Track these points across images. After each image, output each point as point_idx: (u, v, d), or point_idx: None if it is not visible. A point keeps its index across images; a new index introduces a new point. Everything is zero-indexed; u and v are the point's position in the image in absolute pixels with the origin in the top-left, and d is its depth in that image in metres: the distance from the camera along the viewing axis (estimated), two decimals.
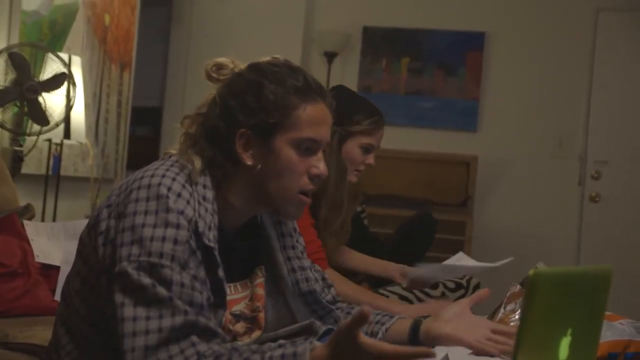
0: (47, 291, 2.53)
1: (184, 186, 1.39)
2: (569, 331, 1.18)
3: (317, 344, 1.29)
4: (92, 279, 1.43)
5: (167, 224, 1.33)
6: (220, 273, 1.40)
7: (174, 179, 1.39)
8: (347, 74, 5.61)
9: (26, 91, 3.32)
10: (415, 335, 1.66)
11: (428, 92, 5.61)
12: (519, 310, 1.84)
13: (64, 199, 4.00)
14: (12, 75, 3.33)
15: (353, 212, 2.68)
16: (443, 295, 2.70)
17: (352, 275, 2.67)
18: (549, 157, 5.44)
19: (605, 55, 5.40)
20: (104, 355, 1.42)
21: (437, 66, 5.61)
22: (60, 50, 3.88)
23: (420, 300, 2.67)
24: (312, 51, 5.71)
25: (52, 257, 2.66)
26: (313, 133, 1.48)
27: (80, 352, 1.45)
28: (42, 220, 3.66)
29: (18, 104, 3.37)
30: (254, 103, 1.46)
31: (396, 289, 2.69)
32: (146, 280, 1.30)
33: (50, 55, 3.48)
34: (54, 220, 3.79)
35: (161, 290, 1.29)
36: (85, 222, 1.50)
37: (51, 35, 4.01)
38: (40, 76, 3.41)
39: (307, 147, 1.48)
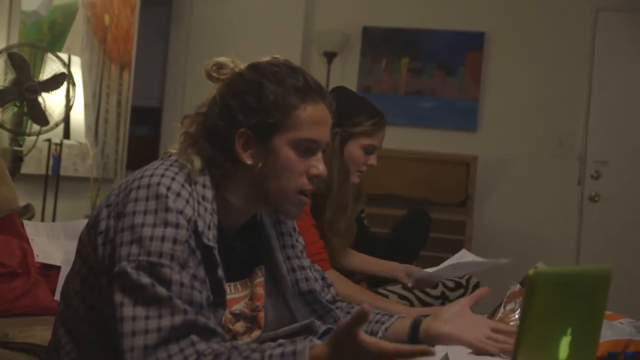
0: (47, 291, 2.53)
1: (183, 186, 1.39)
2: (569, 331, 1.18)
3: (317, 342, 1.29)
4: (91, 278, 1.43)
5: (166, 224, 1.33)
6: (220, 272, 1.40)
7: (173, 179, 1.39)
8: (346, 74, 5.61)
9: (26, 91, 3.32)
10: (415, 334, 1.66)
11: (428, 92, 5.61)
12: (519, 310, 1.84)
13: (64, 199, 4.00)
14: (11, 76, 3.33)
15: (357, 212, 2.68)
16: (443, 294, 2.71)
17: (350, 274, 2.67)
18: (548, 156, 5.44)
19: (605, 55, 5.40)
20: (103, 355, 1.42)
21: (437, 66, 5.61)
22: (60, 51, 3.88)
23: (420, 299, 2.67)
24: (312, 51, 5.71)
25: (53, 257, 2.66)
26: (313, 133, 1.48)
27: (80, 352, 1.45)
28: (42, 220, 3.65)
29: (18, 104, 3.37)
30: (253, 103, 1.46)
31: (396, 288, 2.70)
32: (145, 279, 1.30)
33: (50, 55, 3.48)
34: (53, 220, 3.79)
35: (160, 290, 1.29)
36: (85, 222, 1.50)
37: (51, 35, 4.01)
38: (40, 76, 3.41)
39: (306, 148, 1.48)
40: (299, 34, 5.60)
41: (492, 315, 1.91)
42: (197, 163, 1.44)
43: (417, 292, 2.67)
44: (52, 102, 3.46)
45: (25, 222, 2.76)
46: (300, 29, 5.62)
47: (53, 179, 3.89)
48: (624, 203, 5.33)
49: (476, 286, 2.78)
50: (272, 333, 1.55)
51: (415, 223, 3.13)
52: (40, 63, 3.49)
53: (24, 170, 3.64)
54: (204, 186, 1.43)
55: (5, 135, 3.59)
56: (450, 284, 2.74)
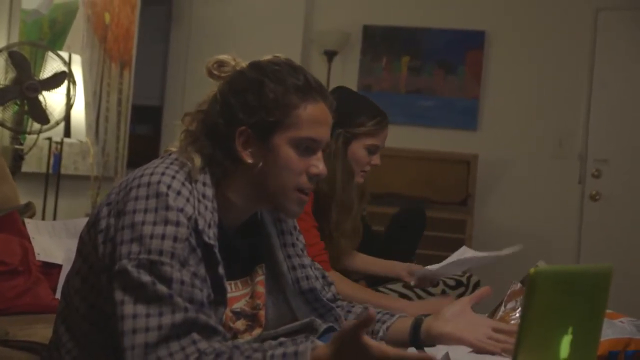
0: (47, 289, 2.54)
1: (183, 184, 1.39)
2: (570, 329, 1.18)
3: (319, 343, 1.29)
4: (92, 277, 1.43)
5: (166, 222, 1.33)
6: (221, 270, 1.40)
7: (173, 177, 1.39)
8: (347, 73, 5.61)
9: (26, 90, 3.32)
10: (416, 334, 1.66)
11: (428, 91, 5.61)
12: (520, 309, 1.84)
13: (65, 197, 4.00)
14: (12, 74, 3.33)
15: (361, 212, 2.68)
16: (443, 292, 2.71)
17: (349, 273, 2.67)
18: (549, 155, 5.44)
19: (605, 54, 5.40)
20: (104, 353, 1.42)
21: (437, 65, 5.61)
22: (61, 49, 3.88)
23: (420, 297, 2.67)
24: (312, 50, 5.71)
25: (54, 255, 2.66)
26: (313, 132, 1.48)
27: (81, 350, 1.45)
28: (43, 218, 3.65)
29: (18, 103, 3.37)
30: (254, 101, 1.46)
31: (396, 286, 2.70)
32: (146, 277, 1.30)
33: (51, 53, 3.48)
34: (54, 218, 3.80)
35: (161, 288, 1.29)
36: (86, 220, 1.50)
37: (51, 33, 4.01)
38: (41, 75, 3.41)
39: (306, 147, 1.48)
40: (299, 32, 5.60)
41: (492, 314, 1.92)
42: (198, 161, 1.44)
43: (417, 290, 2.67)
44: (53, 100, 3.46)
45: (26, 220, 2.76)
46: (301, 28, 5.62)
47: (54, 178, 3.89)
48: (624, 202, 5.33)
49: (477, 284, 2.79)
50: (273, 331, 1.56)
51: (409, 219, 3.13)
52: (40, 61, 3.49)
53: (25, 168, 3.64)
54: (204, 184, 1.43)
55: (6, 133, 3.59)
56: (451, 282, 2.74)
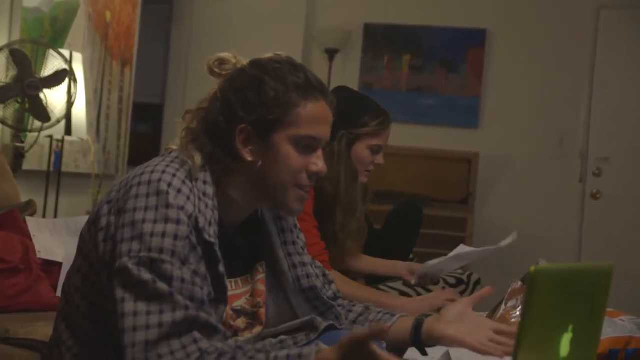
0: (48, 287, 2.54)
1: (184, 182, 1.39)
2: (570, 328, 1.18)
3: (323, 346, 1.29)
4: (92, 275, 1.43)
5: (167, 220, 1.33)
6: (221, 268, 1.40)
7: (174, 175, 1.39)
8: (348, 71, 5.61)
9: (27, 87, 3.32)
10: (417, 335, 1.65)
11: (429, 89, 5.61)
12: (520, 307, 1.84)
13: (65, 195, 4.00)
14: (13, 72, 3.33)
15: (365, 211, 2.68)
16: (444, 289, 2.70)
17: (349, 274, 2.67)
18: (550, 154, 5.44)
19: (607, 52, 5.40)
20: (104, 351, 1.42)
21: (439, 63, 5.60)
22: (62, 47, 3.88)
23: (420, 295, 2.66)
24: (313, 48, 5.71)
25: (55, 253, 2.66)
26: (313, 131, 1.47)
27: (81, 348, 1.45)
28: (44, 216, 3.66)
29: (19, 101, 3.37)
30: (254, 99, 1.46)
31: (397, 285, 2.70)
32: (146, 275, 1.30)
33: (52, 51, 3.48)
34: (55, 216, 3.80)
35: (162, 286, 1.29)
36: (87, 218, 1.51)
37: (52, 31, 4.01)
38: (42, 73, 3.41)
39: (306, 145, 1.48)
40: (300, 31, 5.60)
41: (493, 312, 1.92)
42: (198, 159, 1.44)
43: (417, 288, 2.67)
44: (54, 98, 3.46)
45: (27, 218, 2.76)
46: (302, 26, 5.62)
47: (54, 175, 3.89)
48: (625, 200, 5.33)
49: (477, 282, 2.78)
50: (273, 329, 1.55)
51: (406, 215, 3.12)
52: (41, 59, 3.49)
53: (26, 166, 3.64)
54: (204, 182, 1.43)
55: (7, 131, 3.59)
56: (452, 280, 2.74)
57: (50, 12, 3.96)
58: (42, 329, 2.10)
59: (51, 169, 3.88)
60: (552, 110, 5.45)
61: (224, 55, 1.52)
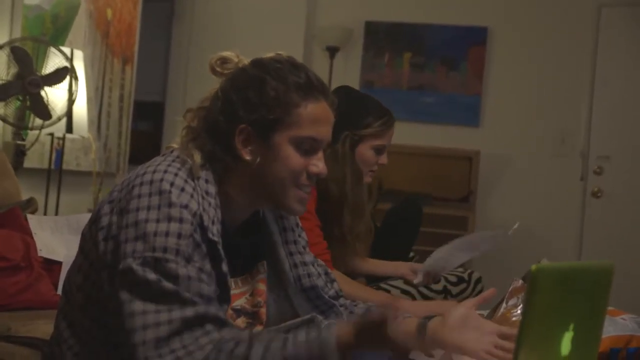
0: (49, 285, 2.54)
1: (186, 181, 1.39)
2: (571, 326, 1.18)
3: (339, 327, 1.32)
4: (93, 274, 1.43)
5: (170, 219, 1.33)
6: (224, 267, 1.40)
7: (176, 174, 1.38)
8: (349, 69, 5.61)
9: (28, 85, 3.32)
10: (421, 336, 1.64)
11: (430, 87, 5.61)
12: (521, 305, 1.83)
13: (66, 193, 4.01)
14: (14, 70, 3.33)
15: (371, 211, 2.67)
16: (445, 289, 2.70)
17: (351, 274, 2.67)
18: (551, 152, 5.44)
19: (608, 50, 5.39)
20: (105, 349, 1.42)
21: (440, 61, 5.60)
22: (63, 45, 3.88)
23: (422, 294, 2.66)
24: (314, 46, 5.70)
25: (56, 251, 2.66)
26: (314, 132, 1.47)
27: (82, 346, 1.45)
28: (45, 214, 3.66)
29: (20, 98, 3.37)
30: (255, 99, 1.45)
31: (398, 283, 2.69)
32: (152, 275, 1.29)
33: (53, 49, 3.48)
34: (56, 214, 3.80)
35: (167, 285, 1.29)
36: (89, 216, 1.51)
37: (53, 29, 4.01)
38: (43, 70, 3.41)
39: (307, 146, 1.47)
40: (302, 29, 5.60)
41: (494, 311, 1.91)
42: (197, 158, 1.43)
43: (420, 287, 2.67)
44: (55, 96, 3.46)
45: (29, 216, 2.77)
46: (303, 24, 5.62)
47: (55, 173, 3.89)
48: (626, 199, 5.32)
49: (478, 281, 2.78)
50: (274, 328, 1.55)
51: (405, 213, 3.12)
52: (42, 57, 3.49)
53: (27, 164, 3.64)
54: (206, 181, 1.43)
55: (8, 129, 3.59)
56: (453, 279, 2.74)
57: (51, 9, 3.97)
58: (43, 327, 2.10)
59: (52, 166, 3.88)
60: (553, 109, 5.45)
61: (226, 54, 1.52)
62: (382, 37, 5.67)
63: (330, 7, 5.72)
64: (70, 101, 3.52)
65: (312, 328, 1.33)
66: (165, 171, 1.38)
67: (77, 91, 3.55)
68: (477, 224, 5.11)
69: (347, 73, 5.51)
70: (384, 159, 2.52)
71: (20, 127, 3.47)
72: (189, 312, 1.29)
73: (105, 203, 1.43)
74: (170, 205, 1.34)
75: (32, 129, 3.49)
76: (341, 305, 1.70)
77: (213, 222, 1.39)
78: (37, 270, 2.52)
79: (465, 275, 2.77)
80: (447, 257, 2.54)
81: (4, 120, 3.40)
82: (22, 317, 2.27)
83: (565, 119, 5.43)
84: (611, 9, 5.39)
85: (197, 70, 5.35)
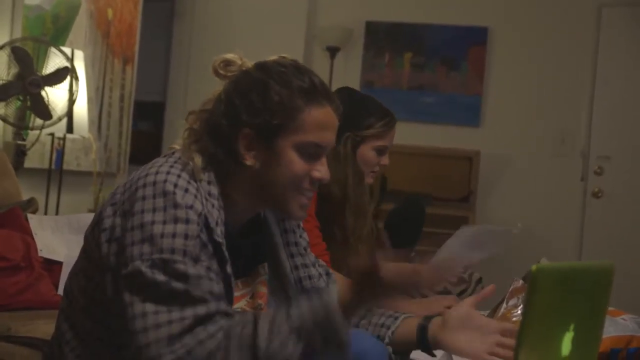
0: (49, 285, 2.54)
1: (189, 182, 1.38)
2: (572, 326, 1.18)
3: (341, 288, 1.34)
4: (96, 276, 1.42)
5: (176, 220, 1.32)
6: (229, 269, 1.40)
7: (179, 176, 1.38)
8: (349, 69, 5.61)
9: (29, 85, 3.32)
10: (423, 339, 1.65)
11: (430, 87, 5.61)
12: (521, 306, 1.84)
13: (67, 193, 4.01)
14: (15, 70, 3.33)
15: (372, 211, 2.67)
16: (445, 288, 2.70)
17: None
18: (551, 152, 5.43)
19: (608, 50, 5.39)
20: (107, 351, 1.42)
21: (440, 61, 5.60)
22: (63, 45, 3.88)
23: (422, 294, 2.66)
24: (315, 46, 5.70)
25: (56, 251, 2.66)
26: (318, 137, 1.45)
27: (84, 347, 1.44)
28: (45, 214, 3.66)
29: (21, 98, 3.37)
30: (258, 103, 1.44)
31: None
32: (161, 277, 1.29)
33: (53, 49, 3.48)
34: (56, 214, 3.80)
35: (177, 285, 1.29)
36: (89, 216, 1.51)
37: (54, 29, 4.01)
38: (43, 70, 3.41)
39: (311, 151, 1.46)
40: (302, 29, 5.60)
41: (494, 311, 1.92)
42: (198, 160, 1.42)
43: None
44: (55, 96, 3.46)
45: (29, 215, 2.77)
46: (303, 24, 5.62)
47: (56, 173, 3.89)
48: (626, 199, 5.32)
49: (479, 281, 2.78)
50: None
51: (407, 213, 3.12)
52: (43, 57, 3.49)
53: (27, 164, 3.64)
54: (209, 183, 1.42)
55: (9, 129, 3.59)
56: (453, 279, 2.73)
57: (51, 9, 3.97)
58: (43, 327, 2.11)
59: (53, 166, 3.88)
60: (553, 109, 5.44)
61: (230, 56, 1.50)
62: (383, 37, 5.67)
63: (330, 7, 5.72)
64: (71, 101, 3.52)
65: (312, 296, 1.33)
66: (168, 172, 1.38)
67: (77, 91, 3.55)
68: (477, 224, 5.11)
69: (348, 73, 5.51)
70: (385, 160, 2.52)
71: (20, 127, 3.47)
72: (201, 310, 1.28)
73: (107, 205, 1.42)
74: (175, 206, 1.33)
75: (32, 129, 3.49)
76: None
77: (217, 223, 1.39)
78: (38, 270, 2.52)
79: (466, 276, 2.77)
80: (451, 253, 2.52)
81: (5, 121, 3.40)
82: (22, 317, 2.27)
83: (565, 119, 5.42)
84: (611, 9, 5.39)
85: (197, 70, 5.35)
